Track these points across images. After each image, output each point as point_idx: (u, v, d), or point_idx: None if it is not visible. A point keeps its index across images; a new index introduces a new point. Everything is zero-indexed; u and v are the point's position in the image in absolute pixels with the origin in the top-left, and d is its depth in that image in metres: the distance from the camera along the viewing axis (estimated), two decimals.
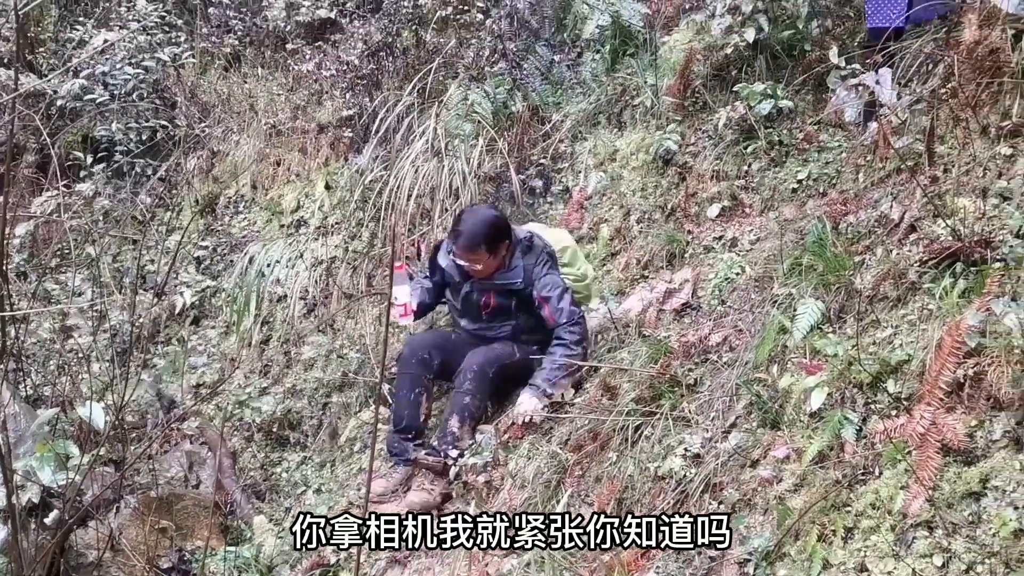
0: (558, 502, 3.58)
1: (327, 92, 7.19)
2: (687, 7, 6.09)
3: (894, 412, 2.80)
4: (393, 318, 4.33)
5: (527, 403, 4.06)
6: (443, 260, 4.38)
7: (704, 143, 5.07)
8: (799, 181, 4.52)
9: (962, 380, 2.63)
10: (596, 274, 4.82)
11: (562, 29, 6.52)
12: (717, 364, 3.66)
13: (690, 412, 3.48)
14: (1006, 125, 3.27)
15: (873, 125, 3.94)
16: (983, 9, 3.46)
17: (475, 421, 4.18)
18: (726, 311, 3.97)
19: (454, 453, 4.04)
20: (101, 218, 6.27)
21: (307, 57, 7.44)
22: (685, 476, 3.24)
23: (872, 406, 2.90)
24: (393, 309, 4.28)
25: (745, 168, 4.81)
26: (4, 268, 3.07)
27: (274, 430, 5.32)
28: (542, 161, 5.82)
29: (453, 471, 4.06)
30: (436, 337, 4.56)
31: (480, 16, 6.61)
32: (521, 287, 4.22)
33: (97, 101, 6.78)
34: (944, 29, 3.72)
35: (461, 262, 4.19)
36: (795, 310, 3.43)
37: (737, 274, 4.17)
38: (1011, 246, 2.87)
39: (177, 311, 6.15)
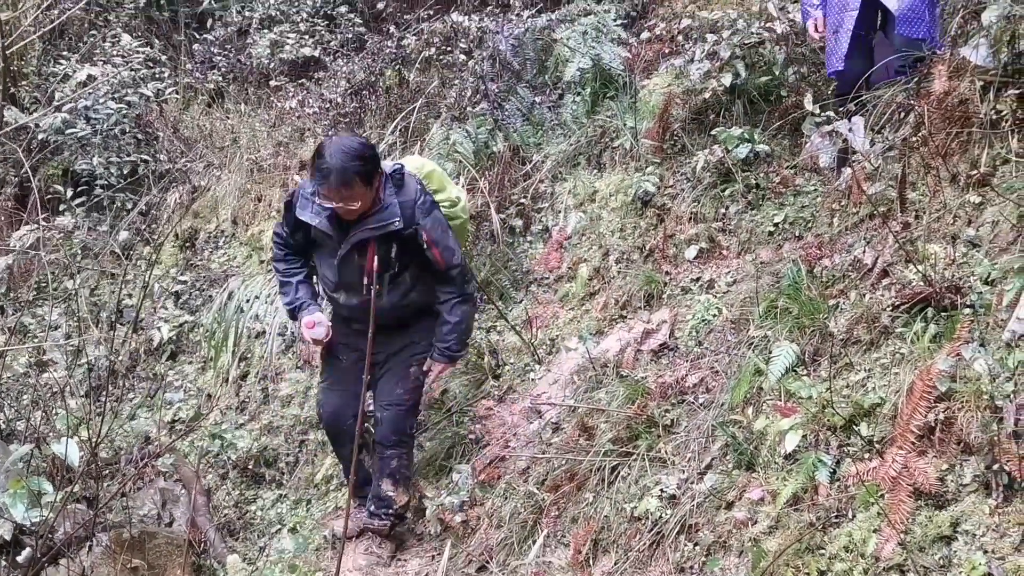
0: (534, 542, 3.58)
1: (309, 129, 7.24)
2: (666, 52, 6.19)
3: (867, 455, 2.83)
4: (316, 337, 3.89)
5: (436, 371, 4.11)
6: (306, 215, 3.70)
7: (682, 185, 5.14)
8: (775, 224, 4.59)
9: (933, 424, 2.67)
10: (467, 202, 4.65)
11: (543, 71, 6.61)
12: (693, 405, 3.68)
13: (666, 453, 3.50)
14: (975, 174, 3.35)
15: (847, 171, 4.02)
16: (952, 60, 3.56)
17: (406, 477, 4.10)
18: (703, 352, 4.01)
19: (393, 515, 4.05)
20: (80, 252, 6.25)
21: (290, 94, 7.50)
22: (661, 517, 3.26)
23: (846, 449, 2.93)
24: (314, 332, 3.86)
25: (723, 211, 4.87)
26: None
27: (250, 467, 5.28)
28: (522, 201, 5.87)
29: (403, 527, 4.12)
30: (341, 394, 4.06)
31: (463, 57, 6.69)
32: (402, 227, 3.63)
33: (79, 135, 6.79)
34: (915, 79, 3.81)
35: (333, 204, 3.53)
36: (770, 352, 3.48)
37: (714, 316, 4.21)
38: (980, 292, 2.93)
39: (154, 346, 6.12)
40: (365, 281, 3.68)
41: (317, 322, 3.83)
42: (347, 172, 3.45)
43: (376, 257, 3.67)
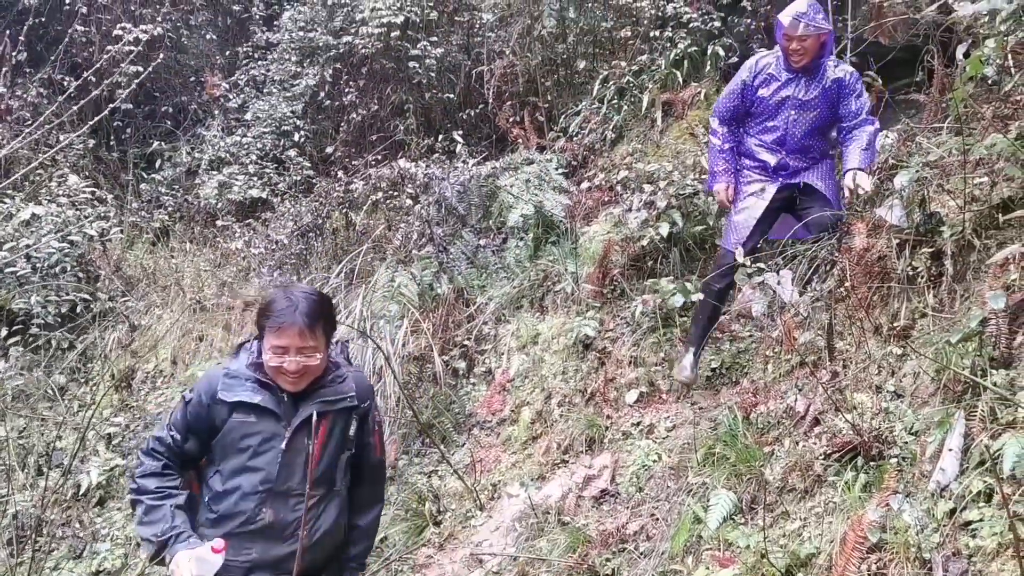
0: None
1: (255, 269, 7.29)
2: (606, 200, 6.44)
3: None
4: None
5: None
6: (238, 393, 2.87)
7: (622, 329, 5.26)
8: (712, 370, 4.70)
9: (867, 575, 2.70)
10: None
11: (488, 216, 6.81)
12: (634, 554, 3.67)
13: None
14: (896, 326, 3.50)
15: (778, 320, 4.17)
16: (870, 220, 3.78)
17: None
18: (643, 499, 4.02)
19: None
20: (10, 397, 6.09)
21: (237, 234, 7.58)
22: None
23: None
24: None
25: (662, 355, 4.98)
26: None
27: None
28: (466, 343, 5.93)
29: None
30: None
31: (409, 201, 6.88)
32: (358, 403, 3.01)
33: (18, 274, 6.74)
34: (837, 236, 4.03)
35: (286, 359, 2.81)
36: (708, 500, 3.50)
37: (654, 461, 4.24)
38: (905, 443, 3.02)
39: (82, 491, 5.91)
40: (310, 473, 2.87)
41: (203, 558, 2.71)
42: (313, 314, 2.82)
43: (318, 450, 2.90)
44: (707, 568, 3.24)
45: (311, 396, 2.90)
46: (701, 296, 4.54)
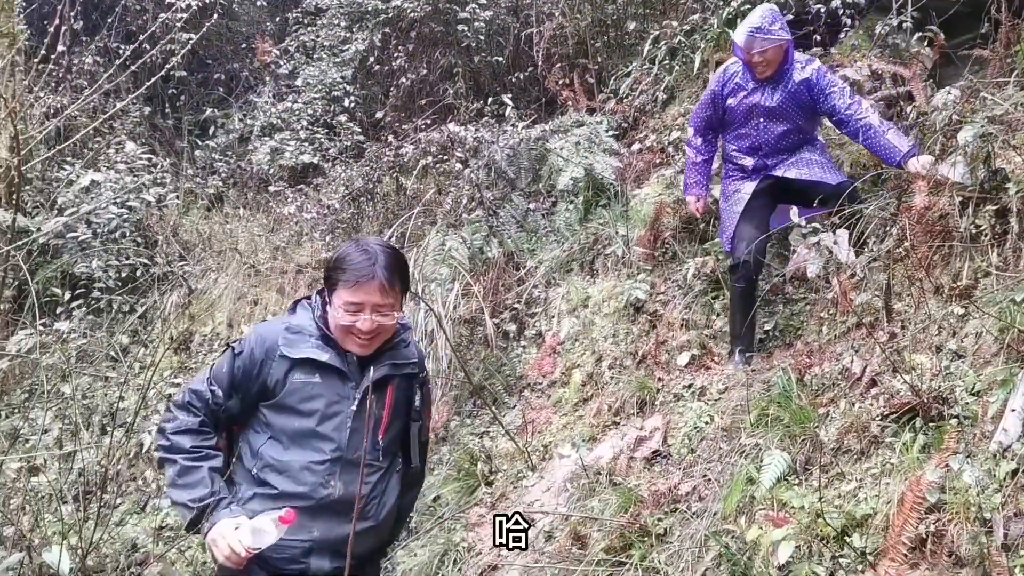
0: None
1: (307, 234, 7.37)
2: (657, 162, 6.38)
3: (860, 567, 2.82)
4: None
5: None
6: (304, 350, 2.63)
7: (674, 292, 5.23)
8: (766, 332, 4.66)
9: (924, 536, 2.67)
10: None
11: (538, 180, 6.79)
12: (686, 514, 3.67)
13: (660, 563, 3.47)
14: (957, 286, 3.43)
15: (834, 281, 4.11)
16: (932, 177, 3.69)
17: None
18: (695, 460, 4.02)
19: None
20: (75, 356, 6.27)
21: (289, 199, 7.66)
22: None
23: (839, 560, 2.92)
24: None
25: (714, 317, 4.95)
26: None
27: None
28: (516, 306, 5.95)
29: None
30: None
31: (459, 166, 6.88)
32: (417, 372, 2.82)
33: (79, 239, 6.90)
34: (896, 193, 3.94)
35: (364, 319, 2.57)
36: (762, 461, 3.49)
37: (706, 423, 4.23)
38: (966, 403, 2.97)
39: (144, 450, 6.08)
40: (381, 441, 2.66)
41: (261, 529, 2.43)
42: (392, 268, 2.58)
43: (388, 415, 2.70)
44: (760, 528, 3.23)
45: (378, 359, 2.66)
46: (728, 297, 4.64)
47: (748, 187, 4.56)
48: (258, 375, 2.61)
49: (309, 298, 2.77)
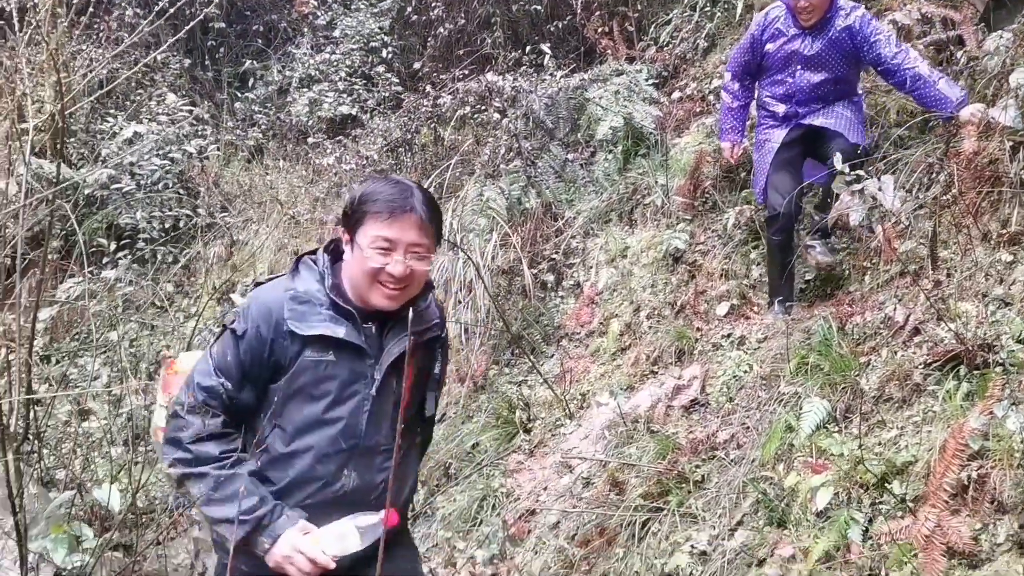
0: None
1: (346, 185, 7.40)
2: (697, 111, 6.30)
3: (900, 514, 2.82)
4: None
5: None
6: (317, 325, 2.19)
7: (713, 242, 5.19)
8: (807, 282, 4.61)
9: (966, 483, 2.66)
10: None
11: (576, 129, 6.73)
12: (724, 461, 3.68)
13: (697, 509, 3.50)
14: (1005, 233, 3.37)
15: (878, 229, 4.05)
16: (982, 121, 3.60)
17: None
18: (734, 408, 4.02)
19: None
20: (122, 304, 6.40)
21: (328, 151, 7.69)
22: (692, 573, 3.25)
23: (878, 507, 2.92)
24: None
25: (753, 267, 4.91)
26: (31, 353, 3.18)
27: None
28: (554, 256, 5.94)
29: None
30: None
31: (497, 116, 6.84)
32: (438, 335, 2.42)
33: (123, 190, 7.00)
34: (944, 139, 3.86)
35: (396, 261, 2.17)
36: (801, 409, 3.48)
37: (745, 372, 4.22)
38: (1011, 351, 2.93)
39: None
40: (401, 424, 2.23)
41: (346, 534, 2.18)
42: (431, 205, 2.22)
43: (413, 383, 2.31)
44: (799, 475, 3.23)
45: (397, 325, 2.26)
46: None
47: (778, 135, 4.49)
48: (269, 356, 2.18)
49: (313, 254, 2.31)
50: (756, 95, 4.76)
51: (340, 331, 2.18)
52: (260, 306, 2.19)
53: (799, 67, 4.38)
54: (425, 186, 5.81)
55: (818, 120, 4.38)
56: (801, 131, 4.47)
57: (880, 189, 3.59)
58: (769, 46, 4.46)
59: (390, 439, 2.25)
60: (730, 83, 4.71)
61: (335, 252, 2.29)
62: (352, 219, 2.19)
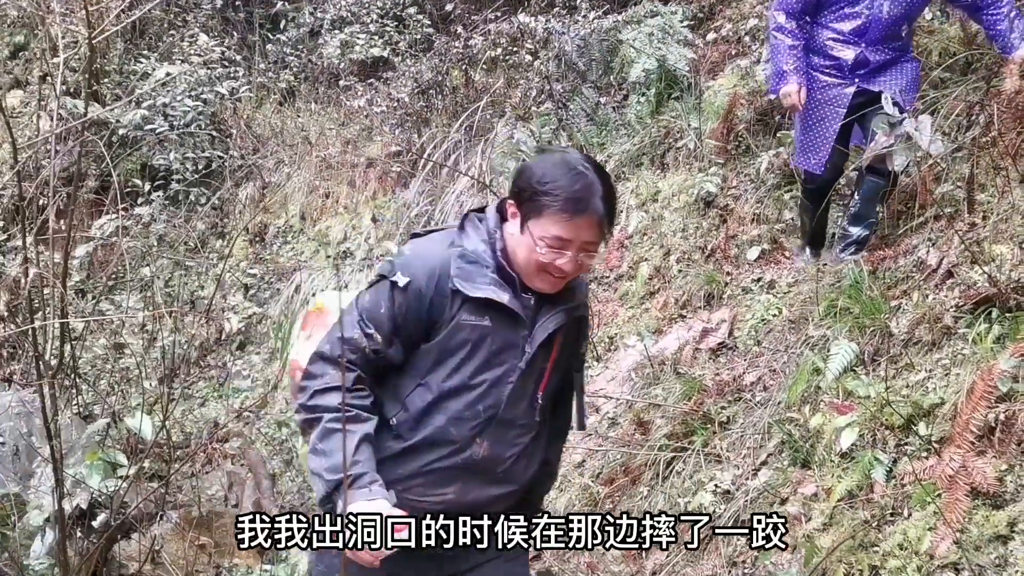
0: None
1: (377, 128, 7.39)
2: (732, 53, 6.18)
3: (924, 454, 2.81)
4: None
5: None
6: (481, 287, 2.07)
7: (746, 186, 5.13)
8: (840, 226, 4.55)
9: (993, 424, 2.64)
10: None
11: (609, 72, 6.64)
12: (750, 403, 3.69)
13: (721, 449, 3.51)
14: None
15: (914, 171, 3.97)
16: (1023, 60, 3.50)
17: None
18: (761, 351, 4.01)
19: None
20: (156, 242, 6.49)
21: (359, 93, 7.66)
22: (715, 512, 3.27)
23: (903, 448, 2.91)
24: None
25: (786, 212, 4.85)
26: (65, 286, 3.24)
27: None
28: None
29: None
30: None
31: (528, 57, 6.76)
32: (584, 314, 2.31)
33: (157, 131, 7.05)
34: (984, 78, 3.76)
35: (568, 259, 2.04)
36: (829, 351, 3.46)
37: (774, 315, 4.20)
38: None
39: (224, 336, 6.32)
40: (540, 398, 2.18)
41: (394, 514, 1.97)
42: (612, 198, 2.08)
43: (557, 360, 2.21)
44: (824, 416, 3.23)
45: (551, 299, 2.14)
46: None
47: (848, 92, 3.94)
48: (427, 314, 2.07)
49: (480, 211, 2.19)
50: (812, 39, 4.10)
51: (504, 296, 2.07)
52: (424, 261, 2.08)
53: None
54: (456, 129, 5.68)
55: (890, 86, 3.85)
56: (868, 97, 3.92)
57: (917, 130, 3.51)
58: None
59: (528, 414, 2.17)
60: (786, 22, 3.99)
61: (502, 212, 2.14)
62: (527, 203, 2.04)
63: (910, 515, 2.69)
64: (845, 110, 3.97)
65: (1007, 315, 2.98)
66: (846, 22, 3.92)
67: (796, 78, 3.96)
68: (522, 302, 2.09)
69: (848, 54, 3.93)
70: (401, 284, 2.05)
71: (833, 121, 3.99)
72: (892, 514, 2.75)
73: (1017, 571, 2.33)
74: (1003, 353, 2.80)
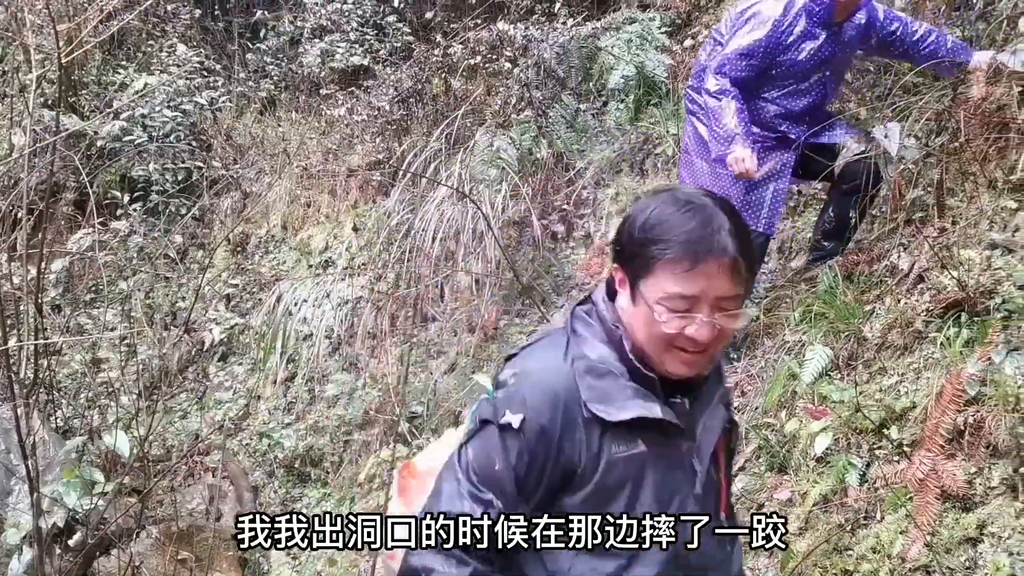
0: None
1: (358, 136, 7.39)
2: None
3: (896, 458, 2.84)
4: None
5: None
6: (627, 406, 1.52)
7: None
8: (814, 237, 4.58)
9: (962, 427, 2.67)
10: None
11: (588, 79, 6.67)
12: None
13: None
14: (1012, 179, 3.33)
15: (886, 176, 4.01)
16: (990, 67, 3.54)
17: None
18: (738, 356, 4.03)
19: None
20: (135, 255, 6.47)
21: (340, 102, 7.66)
22: None
23: (876, 452, 2.94)
24: None
25: None
26: (39, 301, 3.23)
27: (295, 466, 5.41)
28: (565, 207, 5.93)
29: None
30: None
31: (508, 65, 6.78)
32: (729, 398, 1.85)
33: (136, 142, 7.03)
34: (952, 84, 3.80)
35: (701, 324, 1.48)
36: (804, 356, 3.49)
37: (753, 321, 4.22)
38: (1012, 297, 2.92)
39: (205, 347, 6.31)
40: (724, 519, 1.69)
41: None
42: (743, 234, 1.51)
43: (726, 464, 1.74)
44: (800, 421, 3.26)
45: (698, 391, 1.61)
46: None
47: (792, 157, 3.77)
48: (558, 456, 1.51)
49: (585, 303, 1.67)
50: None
51: (655, 409, 1.52)
52: (541, 387, 1.53)
53: (828, 72, 3.70)
54: (436, 138, 5.70)
55: (823, 138, 3.78)
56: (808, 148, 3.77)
57: (886, 136, 3.55)
58: (792, 53, 3.64)
59: (720, 550, 1.64)
60: (729, 86, 3.65)
61: (610, 289, 1.62)
62: (632, 259, 1.52)
63: (883, 518, 2.72)
64: (790, 174, 3.82)
65: (975, 319, 3.01)
66: (797, 99, 3.75)
67: (747, 141, 3.59)
68: (675, 408, 1.56)
69: (797, 129, 3.78)
70: (515, 425, 1.50)
71: (783, 182, 3.81)
72: (865, 518, 2.78)
73: (986, 573, 2.36)
74: (971, 357, 2.84)
